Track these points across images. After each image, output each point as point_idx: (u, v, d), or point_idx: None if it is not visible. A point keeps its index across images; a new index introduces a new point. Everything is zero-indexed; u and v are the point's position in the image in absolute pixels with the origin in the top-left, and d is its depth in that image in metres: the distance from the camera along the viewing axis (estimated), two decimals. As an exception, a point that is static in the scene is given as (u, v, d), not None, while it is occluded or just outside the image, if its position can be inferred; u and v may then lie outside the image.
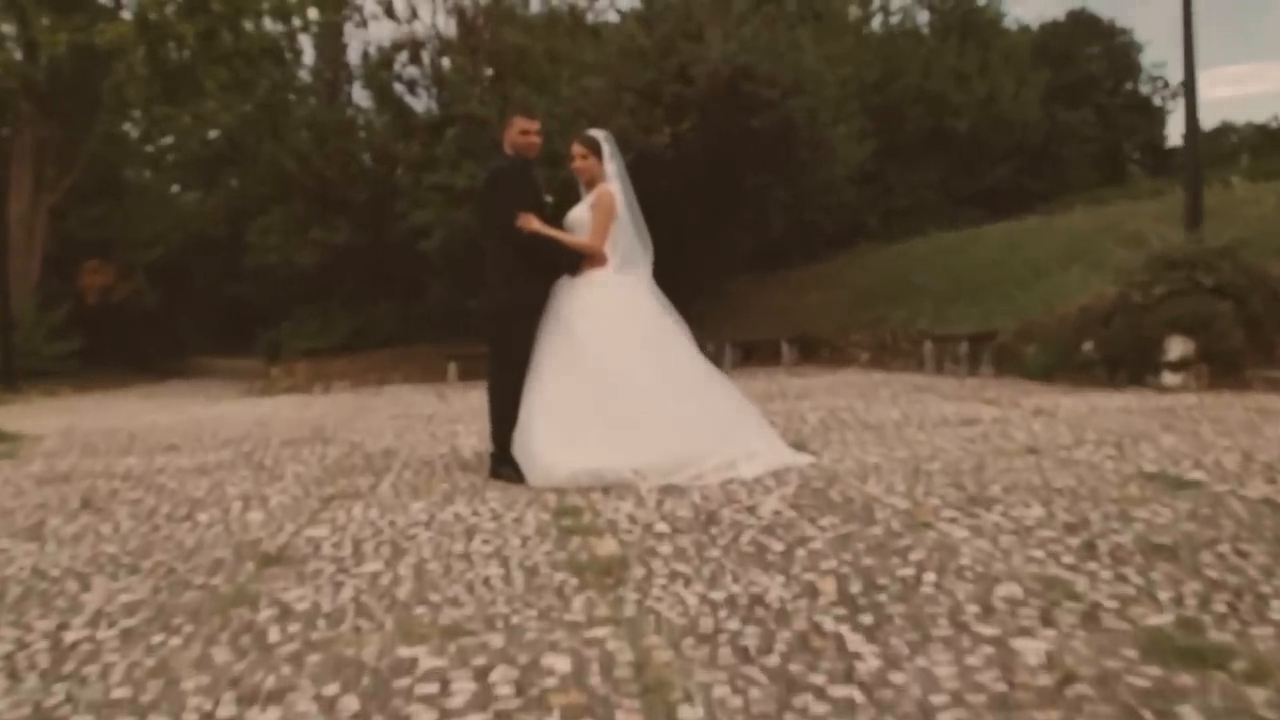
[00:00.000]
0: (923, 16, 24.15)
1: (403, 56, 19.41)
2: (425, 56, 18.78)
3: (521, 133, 5.39)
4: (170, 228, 23.35)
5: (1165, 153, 34.56)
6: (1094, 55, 32.11)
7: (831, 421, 7.60)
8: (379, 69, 19.78)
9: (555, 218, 5.45)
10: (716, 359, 17.00)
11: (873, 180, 20.60)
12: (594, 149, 5.47)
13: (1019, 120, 22.42)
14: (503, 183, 5.34)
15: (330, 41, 22.99)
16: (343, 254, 20.42)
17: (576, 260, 5.38)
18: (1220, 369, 8.89)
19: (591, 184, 5.46)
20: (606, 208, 5.35)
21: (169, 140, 23.67)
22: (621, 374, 5.16)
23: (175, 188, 26.61)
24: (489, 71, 17.17)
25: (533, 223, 5.19)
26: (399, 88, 20.06)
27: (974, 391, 9.54)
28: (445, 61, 18.71)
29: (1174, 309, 9.08)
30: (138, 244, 22.33)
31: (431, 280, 20.41)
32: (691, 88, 14.22)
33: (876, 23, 23.97)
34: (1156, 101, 36.21)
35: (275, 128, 20.73)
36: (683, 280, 19.20)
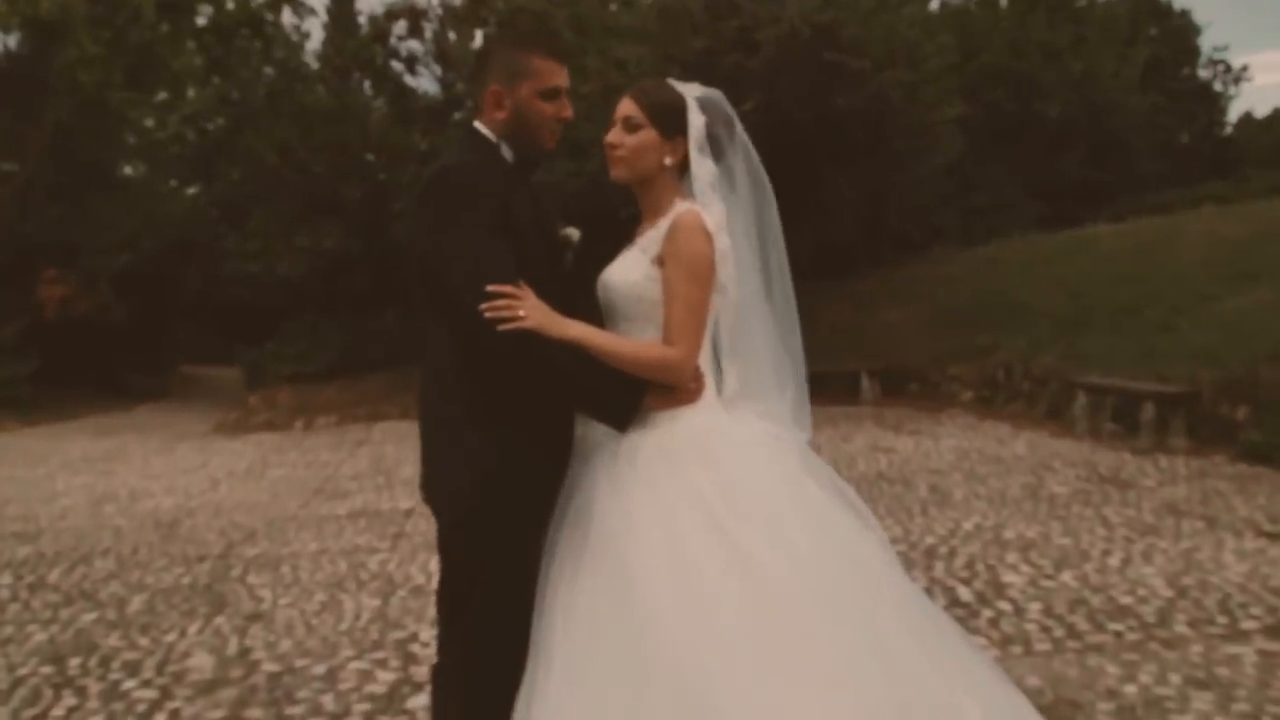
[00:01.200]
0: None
1: (399, 28, 16.37)
2: (427, 28, 15.71)
3: (539, 93, 2.30)
4: (140, 232, 20.42)
5: (1223, 141, 31.54)
6: (1152, 38, 28.84)
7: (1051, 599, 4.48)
8: (371, 43, 16.76)
9: (582, 283, 2.41)
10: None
11: (951, 172, 17.39)
12: (665, 115, 2.36)
13: (1120, 104, 19.13)
14: (463, 206, 2.16)
15: (341, 20, 19.94)
16: (333, 262, 17.45)
17: (631, 390, 2.23)
18: None
19: (656, 199, 2.38)
20: (695, 263, 2.25)
21: (137, 130, 20.74)
22: (720, 654, 1.99)
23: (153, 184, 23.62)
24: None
25: (533, 310, 2.12)
26: (396, 65, 17.05)
27: (1240, 499, 6.39)
28: (450, 34, 15.64)
29: None
30: (103, 250, 19.40)
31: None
32: (755, 57, 11.09)
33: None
34: (1217, 87, 33.61)
35: (254, 116, 17.72)
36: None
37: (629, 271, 2.31)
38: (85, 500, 8.60)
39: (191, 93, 19.79)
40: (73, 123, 17.75)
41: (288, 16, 19.41)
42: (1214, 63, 35.17)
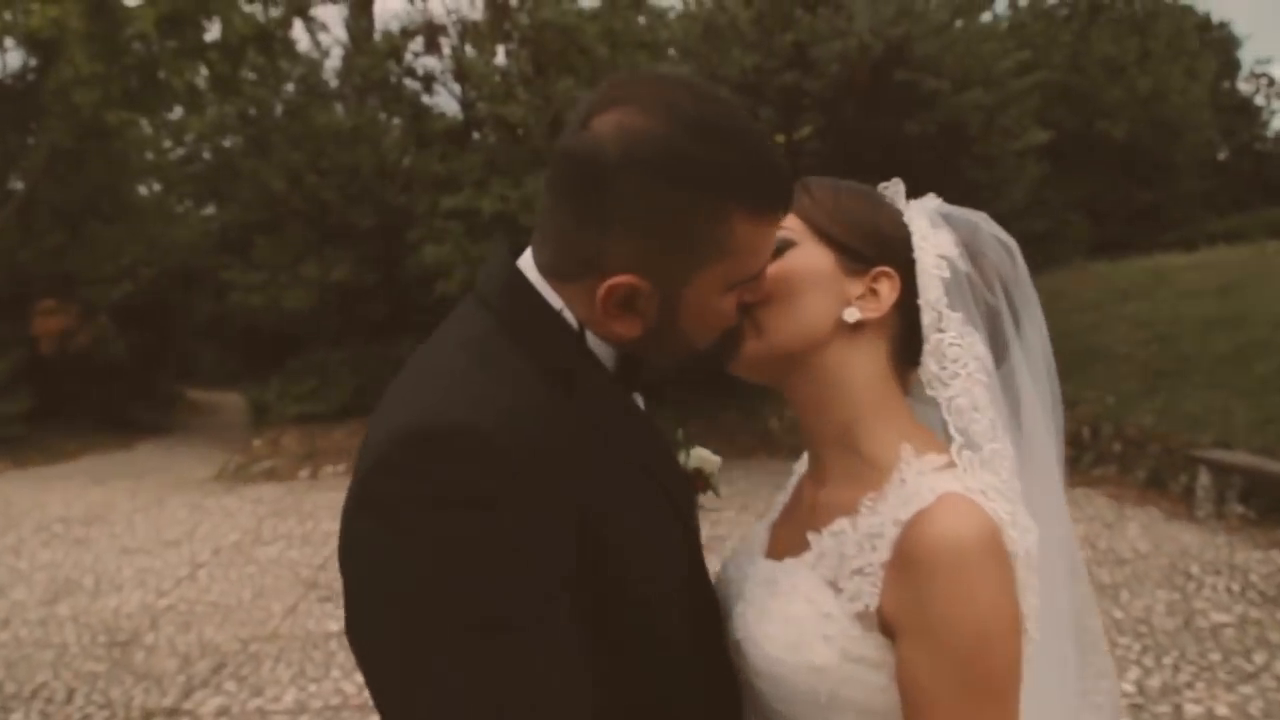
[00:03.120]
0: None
1: (416, 44, 15.17)
2: (445, 44, 14.51)
3: (728, 285, 1.00)
4: (143, 259, 19.31)
5: (1263, 157, 30.17)
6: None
7: None
8: (385, 60, 15.58)
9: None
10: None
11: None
12: (856, 231, 1.11)
13: (1190, 121, 17.69)
14: (476, 553, 0.85)
15: (361, 37, 18.75)
16: (344, 294, 16.26)
17: None
18: None
19: (836, 421, 1.12)
20: (981, 649, 0.94)
21: (139, 150, 19.65)
22: None
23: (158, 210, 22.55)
24: (525, 61, 12.87)
25: None
26: (411, 84, 15.86)
27: None
28: (470, 50, 14.45)
29: None
30: (102, 279, 18.28)
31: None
32: (813, 76, 9.80)
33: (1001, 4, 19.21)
34: (1259, 101, 32.56)
35: (266, 135, 16.57)
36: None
37: (801, 644, 1.03)
38: (42, 592, 7.38)
39: (210, 110, 18.72)
40: (71, 145, 16.66)
41: (301, 33, 18.29)
42: (1256, 76, 34.36)
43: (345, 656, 5.46)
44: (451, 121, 15.86)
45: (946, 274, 1.10)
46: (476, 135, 14.07)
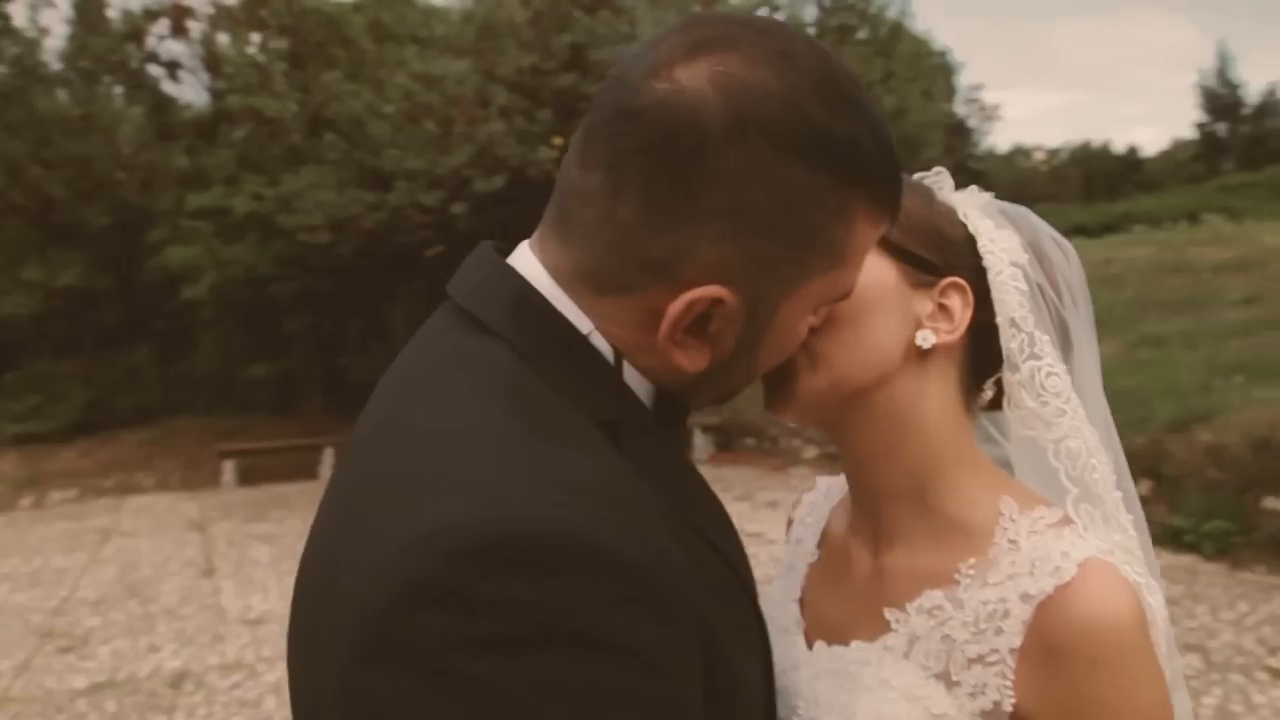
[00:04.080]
0: (809, 12, 20.52)
1: (160, 27, 13.92)
2: (194, 29, 13.39)
3: (823, 301, 0.77)
4: None
5: (976, 174, 34.13)
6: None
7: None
8: (123, 43, 14.21)
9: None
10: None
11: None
12: (921, 238, 0.90)
13: (926, 139, 19.13)
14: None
15: (88, 14, 16.89)
16: (73, 300, 14.71)
17: None
18: None
19: (914, 467, 0.90)
20: None
21: None
22: None
23: None
24: (283, 51, 12.05)
25: None
26: (154, 71, 14.56)
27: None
28: (222, 37, 13.42)
29: None
30: None
31: (200, 334, 15.04)
32: (592, 79, 9.71)
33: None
34: (971, 123, 36.76)
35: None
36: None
37: None
38: None
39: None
40: None
41: (19, 8, 16.35)
42: (969, 100, 38.43)
43: (98, 718, 4.78)
44: (199, 113, 14.67)
45: (1023, 284, 0.90)
46: (227, 129, 13.04)
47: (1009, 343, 0.89)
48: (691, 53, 0.65)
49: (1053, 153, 43.65)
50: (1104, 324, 7.90)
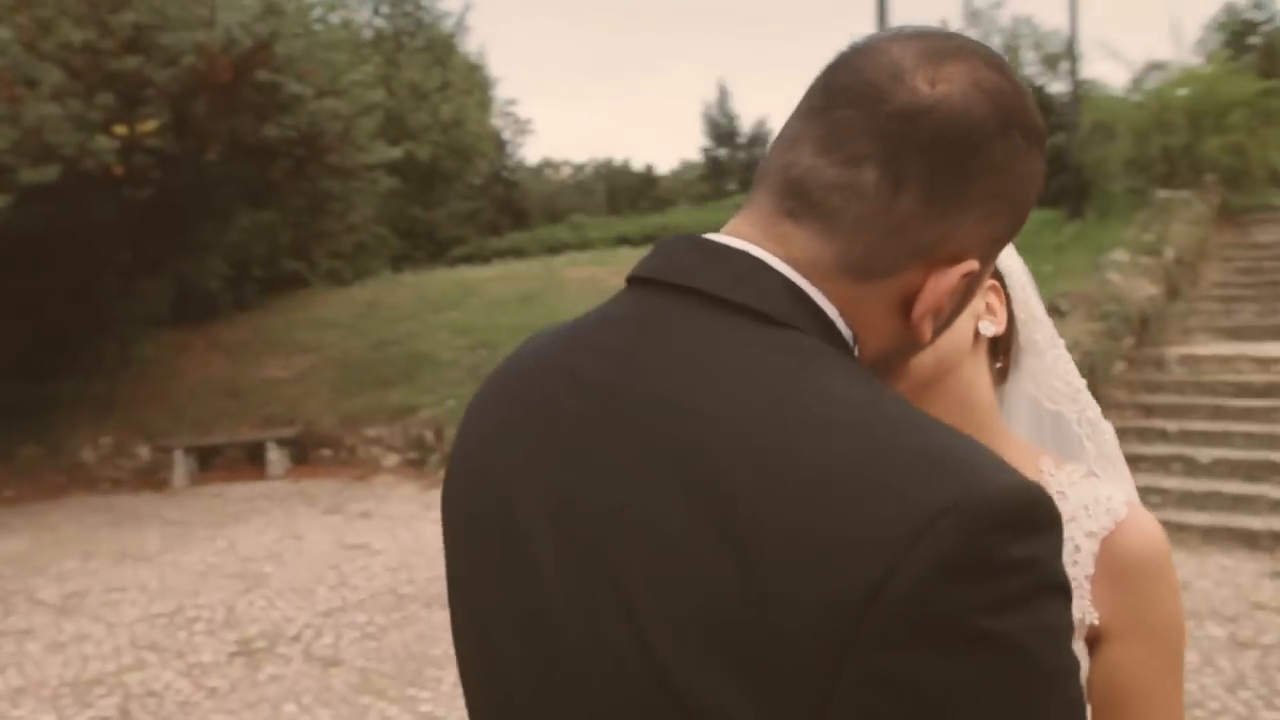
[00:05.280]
0: (366, 20, 19.92)
1: None
2: None
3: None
4: None
5: (510, 184, 36.14)
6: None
7: None
8: None
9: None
10: (158, 474, 11.31)
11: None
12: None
13: (479, 149, 19.49)
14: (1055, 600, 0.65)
15: None
16: None
17: None
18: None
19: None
20: (1177, 640, 1.05)
21: None
22: None
23: None
24: None
25: None
26: None
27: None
28: None
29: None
30: None
31: None
32: (158, 64, 8.59)
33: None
34: (506, 135, 38.84)
35: None
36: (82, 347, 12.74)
37: None
38: None
39: None
40: None
41: None
42: (505, 114, 40.15)
43: None
44: None
45: (1026, 279, 1.10)
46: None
47: (1033, 334, 1.09)
48: (937, 60, 0.73)
49: (579, 168, 46.38)
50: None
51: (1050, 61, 17.47)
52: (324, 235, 12.19)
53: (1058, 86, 17.44)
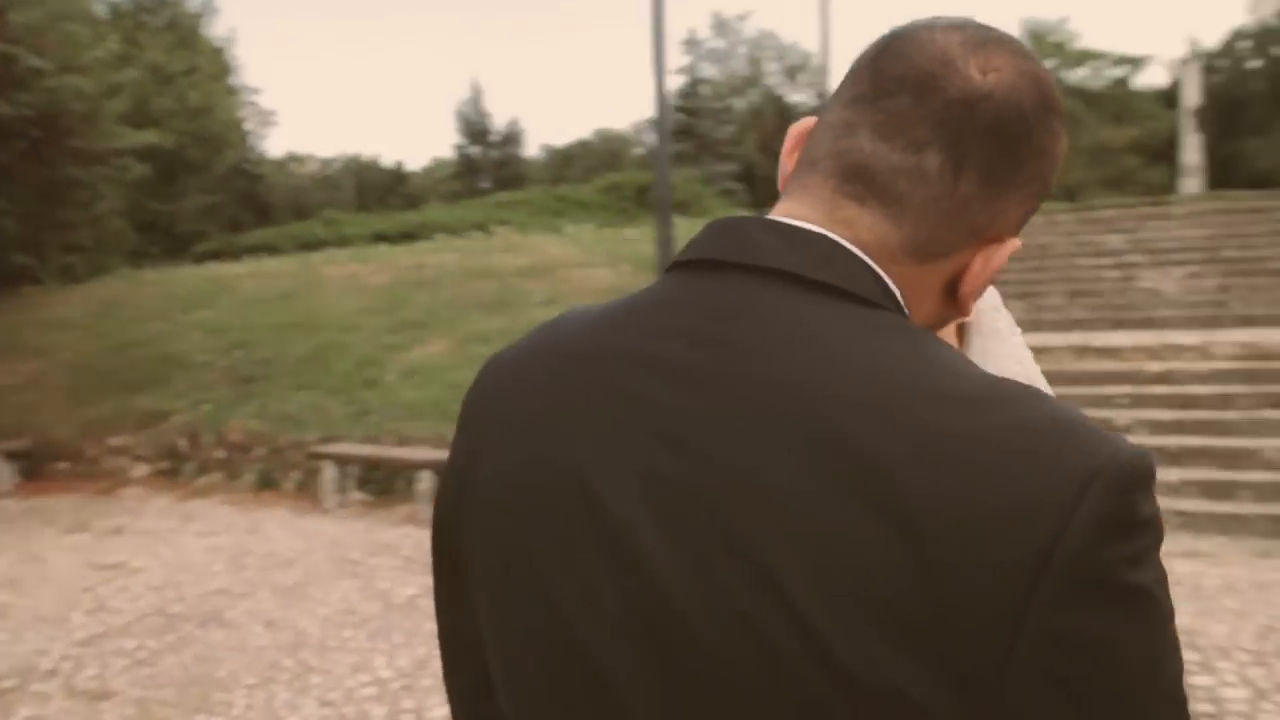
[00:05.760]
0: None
1: None
2: None
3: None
4: None
5: (254, 178, 34.85)
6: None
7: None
8: None
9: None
10: None
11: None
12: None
13: (228, 139, 18.36)
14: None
15: None
16: None
17: None
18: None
19: None
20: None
21: None
22: None
23: None
24: None
25: None
26: None
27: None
28: None
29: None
30: None
31: None
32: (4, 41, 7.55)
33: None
34: (247, 127, 37.32)
35: None
36: None
37: None
38: None
39: None
40: None
41: None
42: (247, 103, 38.08)
43: None
44: None
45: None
46: None
47: (996, 322, 1.10)
48: (981, 49, 0.77)
49: (326, 162, 44.81)
50: (429, 325, 8.82)
51: (791, 73, 18.55)
52: (63, 226, 11.10)
53: (797, 96, 18.53)
